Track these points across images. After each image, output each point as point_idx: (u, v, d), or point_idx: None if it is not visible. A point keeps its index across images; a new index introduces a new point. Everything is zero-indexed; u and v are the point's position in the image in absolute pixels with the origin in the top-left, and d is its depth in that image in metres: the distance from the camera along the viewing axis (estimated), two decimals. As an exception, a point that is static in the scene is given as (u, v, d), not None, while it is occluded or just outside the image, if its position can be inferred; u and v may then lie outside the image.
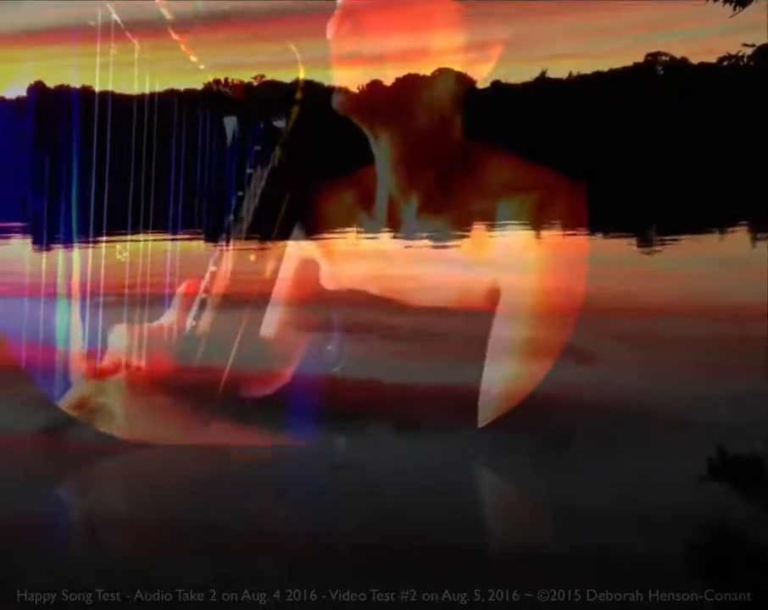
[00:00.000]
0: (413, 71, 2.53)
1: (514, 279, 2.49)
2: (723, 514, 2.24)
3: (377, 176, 2.63)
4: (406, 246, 2.69)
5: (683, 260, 6.91)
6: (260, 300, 2.72)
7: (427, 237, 2.63)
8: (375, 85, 2.53)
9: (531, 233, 2.54)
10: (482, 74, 2.63)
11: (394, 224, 2.64)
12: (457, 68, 2.56)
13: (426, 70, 2.53)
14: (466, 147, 2.61)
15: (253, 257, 2.62)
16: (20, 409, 2.95)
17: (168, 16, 2.35)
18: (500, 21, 2.64)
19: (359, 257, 2.71)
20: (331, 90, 2.54)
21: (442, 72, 2.54)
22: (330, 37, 2.49)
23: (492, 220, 2.53)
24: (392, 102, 2.52)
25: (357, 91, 2.53)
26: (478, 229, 2.60)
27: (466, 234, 2.61)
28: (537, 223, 2.51)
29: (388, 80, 2.52)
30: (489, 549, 2.23)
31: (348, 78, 2.52)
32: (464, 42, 2.54)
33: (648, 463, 2.56)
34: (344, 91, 2.52)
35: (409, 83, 2.52)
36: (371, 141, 2.57)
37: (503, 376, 2.51)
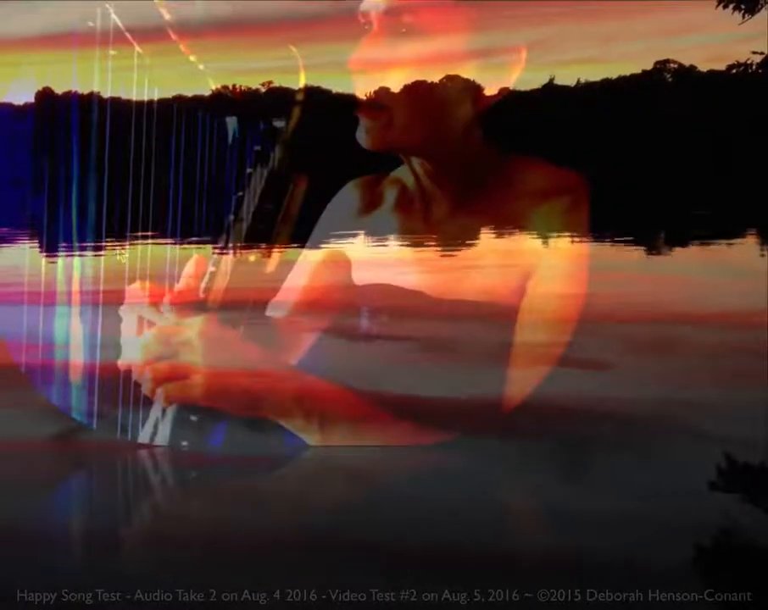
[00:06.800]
0: (423, 78, 2.48)
1: (530, 285, 2.47)
2: (728, 520, 2.24)
3: (408, 182, 2.62)
4: (439, 253, 2.67)
5: (694, 268, 6.88)
6: (260, 304, 2.71)
7: (454, 244, 2.62)
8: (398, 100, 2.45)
9: (548, 239, 2.52)
10: (510, 79, 2.58)
11: (431, 230, 2.62)
12: (474, 75, 2.51)
13: (439, 78, 2.48)
14: (492, 153, 2.59)
15: (252, 259, 2.62)
16: (20, 413, 2.98)
17: (167, 17, 2.36)
18: (510, 27, 2.60)
19: (377, 263, 2.70)
20: (330, 94, 2.49)
21: (455, 79, 2.50)
22: (365, 40, 2.43)
23: (521, 226, 2.50)
24: (419, 119, 2.47)
25: (381, 124, 2.45)
26: (506, 235, 2.57)
27: (493, 239, 2.60)
28: (564, 229, 2.49)
29: (402, 87, 2.46)
30: (489, 550, 2.23)
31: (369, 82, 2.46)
32: (486, 47, 2.51)
33: (655, 469, 2.55)
34: (369, 128, 2.47)
35: (421, 91, 2.47)
36: (403, 158, 2.57)
37: (506, 379, 2.49)
